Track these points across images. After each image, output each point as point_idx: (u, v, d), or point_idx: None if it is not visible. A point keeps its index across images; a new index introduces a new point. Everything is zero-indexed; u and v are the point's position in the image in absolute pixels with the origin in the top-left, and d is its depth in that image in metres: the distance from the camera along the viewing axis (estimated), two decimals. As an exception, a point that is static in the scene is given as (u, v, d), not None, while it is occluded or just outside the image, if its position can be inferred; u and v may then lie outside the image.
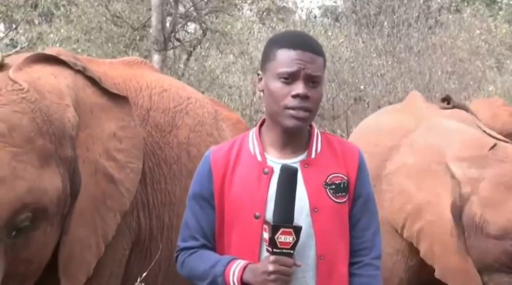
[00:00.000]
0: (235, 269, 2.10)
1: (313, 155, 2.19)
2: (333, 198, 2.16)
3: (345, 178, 2.18)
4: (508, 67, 12.07)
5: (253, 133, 2.25)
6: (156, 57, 8.58)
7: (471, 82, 10.84)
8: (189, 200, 2.27)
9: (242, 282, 2.08)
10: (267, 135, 2.22)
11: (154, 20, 8.64)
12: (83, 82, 2.56)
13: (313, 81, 2.13)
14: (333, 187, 2.16)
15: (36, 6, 10.44)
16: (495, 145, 3.46)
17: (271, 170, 2.16)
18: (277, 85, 2.13)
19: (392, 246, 3.59)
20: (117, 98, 2.64)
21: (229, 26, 10.54)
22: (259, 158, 2.19)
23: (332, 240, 2.15)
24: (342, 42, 10.73)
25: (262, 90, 2.20)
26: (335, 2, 17.50)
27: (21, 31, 10.24)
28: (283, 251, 2.01)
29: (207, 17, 10.07)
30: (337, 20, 14.33)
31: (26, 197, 2.17)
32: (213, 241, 2.22)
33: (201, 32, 10.27)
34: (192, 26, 11.17)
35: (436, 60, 10.46)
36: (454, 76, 10.63)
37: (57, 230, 2.34)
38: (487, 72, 11.48)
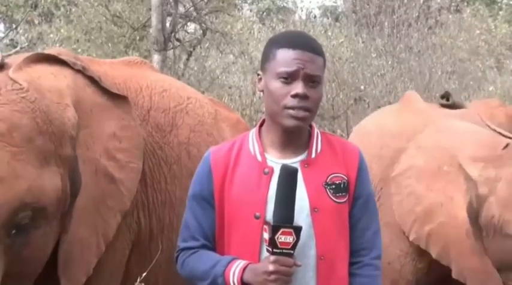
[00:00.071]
0: (235, 269, 2.10)
1: (313, 155, 2.20)
2: (333, 198, 2.16)
3: (345, 178, 2.18)
4: (508, 67, 12.05)
5: (253, 133, 2.25)
6: (156, 57, 8.58)
7: (471, 82, 10.83)
8: (189, 200, 2.27)
9: (242, 282, 2.08)
10: (267, 135, 2.22)
11: (154, 20, 8.63)
12: (83, 82, 2.56)
13: (312, 81, 2.13)
14: (333, 187, 2.17)
15: (36, 6, 10.45)
16: (507, 144, 3.44)
17: (272, 171, 2.16)
18: (276, 85, 2.13)
19: (401, 249, 3.58)
20: (117, 98, 2.64)
21: (229, 26, 10.54)
22: (259, 158, 2.19)
23: (332, 241, 2.15)
24: (341, 42, 10.71)
25: (262, 90, 2.21)
26: (335, 2, 17.51)
27: (21, 31, 10.24)
28: (284, 251, 2.02)
29: (207, 17, 10.06)
30: (337, 20, 14.33)
31: (26, 197, 2.17)
32: (213, 241, 2.22)
33: (201, 32, 10.26)
34: (192, 26, 11.16)
35: (436, 60, 10.45)
36: (454, 76, 10.62)
37: (56, 229, 2.34)
38: (487, 72, 11.46)
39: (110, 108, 2.60)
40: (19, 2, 10.37)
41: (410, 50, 10.60)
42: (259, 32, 11.87)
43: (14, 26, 10.16)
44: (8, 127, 2.19)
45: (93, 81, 2.59)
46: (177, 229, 2.42)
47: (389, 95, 9.39)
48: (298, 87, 2.10)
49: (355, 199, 2.21)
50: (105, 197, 2.52)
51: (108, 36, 9.66)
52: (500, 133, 3.62)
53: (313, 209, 2.13)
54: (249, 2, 16.82)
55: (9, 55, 2.73)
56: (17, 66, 2.43)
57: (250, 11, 16.48)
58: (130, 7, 9.88)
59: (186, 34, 10.87)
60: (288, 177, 2.05)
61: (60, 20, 10.35)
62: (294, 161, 2.17)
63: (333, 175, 2.18)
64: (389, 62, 10.28)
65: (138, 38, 9.83)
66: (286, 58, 2.13)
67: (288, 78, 2.12)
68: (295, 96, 2.10)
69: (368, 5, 11.92)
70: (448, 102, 4.19)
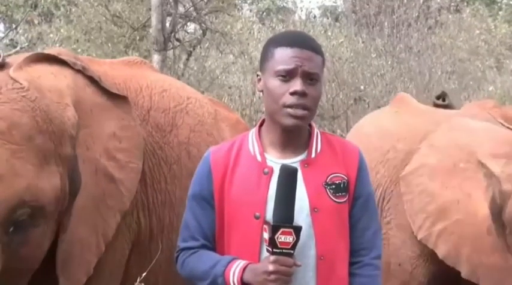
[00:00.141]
0: (235, 269, 2.10)
1: (313, 155, 2.20)
2: (333, 198, 2.16)
3: (345, 177, 2.18)
4: (507, 67, 12.04)
5: (252, 133, 2.26)
6: (156, 57, 8.58)
7: (471, 82, 10.83)
8: (189, 200, 2.27)
9: (242, 282, 2.08)
10: (267, 135, 2.22)
11: (154, 20, 8.63)
12: (83, 82, 2.57)
13: (311, 79, 2.13)
14: (333, 186, 2.17)
15: (36, 6, 10.44)
16: None
17: (271, 170, 2.16)
18: (275, 83, 2.13)
19: (413, 250, 3.55)
20: (117, 98, 2.65)
21: (229, 26, 10.54)
22: (259, 158, 2.19)
23: (332, 240, 2.15)
24: (341, 42, 10.71)
25: (262, 91, 2.21)
26: (335, 2, 17.51)
27: (21, 31, 10.24)
28: (283, 251, 2.02)
29: (206, 17, 10.06)
30: (336, 20, 14.33)
31: (24, 195, 2.17)
32: (213, 241, 2.22)
33: (201, 32, 10.26)
34: (191, 26, 11.16)
35: (436, 60, 10.45)
36: (453, 76, 10.62)
37: (54, 228, 2.34)
38: (486, 72, 11.46)
39: (110, 108, 2.61)
40: (19, 2, 10.37)
41: (410, 50, 10.61)
42: (259, 32, 11.87)
43: (13, 25, 10.16)
44: (8, 125, 2.19)
45: (93, 81, 2.60)
46: (177, 229, 2.42)
47: (389, 95, 9.38)
48: (297, 85, 2.11)
49: (355, 198, 2.21)
50: (105, 196, 2.52)
51: (108, 36, 9.66)
52: None
53: (313, 209, 2.13)
54: (248, 2, 16.83)
55: (10, 55, 2.73)
56: (17, 66, 2.43)
57: (250, 11, 16.48)
58: (130, 7, 9.88)
59: (186, 34, 10.87)
60: (288, 177, 2.05)
61: (60, 20, 10.35)
62: (294, 161, 2.17)
63: (332, 175, 2.18)
64: (389, 62, 10.28)
65: (138, 38, 9.83)
66: (284, 56, 2.13)
67: (287, 76, 2.12)
68: (293, 93, 2.11)
69: (368, 5, 11.92)
70: (444, 102, 4.18)
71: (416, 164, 3.58)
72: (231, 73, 10.80)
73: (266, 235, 2.06)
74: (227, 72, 10.76)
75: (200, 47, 10.46)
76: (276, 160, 2.17)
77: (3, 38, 9.61)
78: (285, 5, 17.36)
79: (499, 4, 15.92)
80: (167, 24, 9.09)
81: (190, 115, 3.02)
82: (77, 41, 9.58)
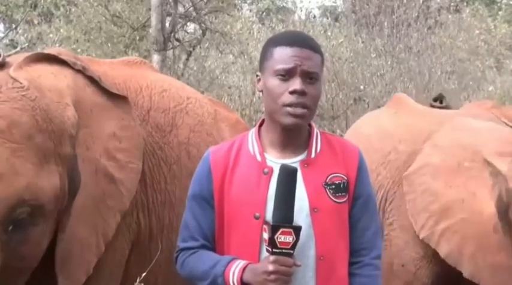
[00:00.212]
0: (235, 269, 2.10)
1: (312, 155, 2.20)
2: (333, 198, 2.16)
3: (345, 178, 2.18)
4: (507, 67, 12.04)
5: (252, 133, 2.26)
6: (155, 57, 8.58)
7: (471, 82, 10.83)
8: (189, 200, 2.27)
9: (242, 282, 2.08)
10: (267, 134, 2.22)
11: (153, 20, 8.63)
12: (83, 82, 2.57)
13: (310, 78, 2.13)
14: (333, 187, 2.17)
15: (35, 6, 10.44)
16: None
17: (271, 170, 2.16)
18: (274, 82, 2.13)
19: (416, 251, 3.54)
20: (117, 98, 2.65)
21: (228, 26, 10.54)
22: (258, 158, 2.19)
23: (332, 241, 2.15)
24: (341, 42, 10.71)
25: (262, 91, 2.21)
26: (334, 2, 17.51)
27: (20, 31, 10.24)
28: (283, 251, 2.02)
29: (206, 17, 10.05)
30: (336, 20, 14.32)
31: (24, 194, 2.17)
32: (212, 241, 2.22)
33: (201, 32, 10.26)
34: (191, 26, 11.16)
35: (436, 60, 10.45)
36: (453, 76, 10.62)
37: (53, 227, 2.34)
38: (486, 72, 11.46)
39: (110, 108, 2.61)
40: (19, 2, 10.37)
41: (410, 50, 10.60)
42: (259, 32, 11.87)
43: (13, 26, 10.16)
44: (8, 124, 2.19)
45: (93, 81, 2.60)
46: (176, 229, 2.42)
47: (389, 95, 9.36)
48: (296, 84, 2.11)
49: (355, 198, 2.21)
50: (104, 197, 2.52)
51: (107, 36, 9.66)
52: None
53: (313, 209, 2.13)
54: (248, 2, 16.82)
55: (10, 55, 2.73)
56: (17, 65, 2.43)
57: (250, 11, 16.48)
58: (130, 7, 9.88)
59: (186, 34, 10.87)
60: (288, 177, 2.05)
61: (59, 20, 10.35)
62: (294, 161, 2.17)
63: (332, 175, 2.18)
64: (389, 62, 10.28)
65: (137, 38, 9.83)
66: (283, 55, 2.13)
67: (286, 75, 2.12)
68: (293, 92, 2.11)
69: (367, 5, 11.92)
70: (442, 104, 4.17)
71: (420, 163, 3.57)
72: (231, 73, 10.80)
73: (266, 235, 2.06)
74: (227, 72, 10.76)
75: (200, 47, 10.46)
76: (275, 160, 2.17)
77: (3, 38, 9.61)
78: (284, 5, 17.36)
79: (498, 4, 15.92)
80: (167, 24, 9.09)
81: (190, 115, 3.02)
82: (77, 41, 9.58)
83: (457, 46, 11.15)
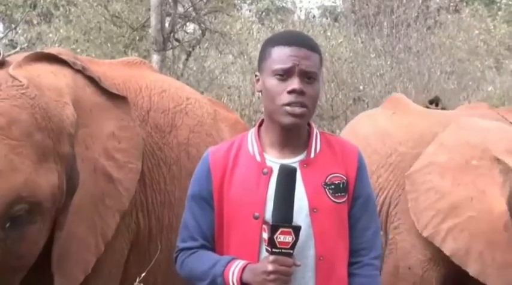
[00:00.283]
0: (234, 269, 2.10)
1: (312, 155, 2.20)
2: (332, 198, 2.16)
3: (344, 178, 2.18)
4: (507, 67, 12.05)
5: (252, 133, 2.26)
6: (155, 57, 8.58)
7: (470, 83, 10.84)
8: (188, 200, 2.27)
9: (241, 282, 2.08)
10: (266, 135, 2.22)
11: (153, 20, 8.63)
12: (83, 82, 2.57)
13: (308, 77, 2.13)
14: (332, 187, 2.17)
15: (35, 6, 10.44)
16: None
17: (270, 171, 2.16)
18: (273, 82, 2.13)
19: (424, 254, 3.54)
20: (117, 98, 2.65)
21: (228, 26, 10.54)
22: (258, 158, 2.19)
23: (331, 241, 2.15)
24: (341, 42, 10.72)
25: (261, 91, 2.21)
26: (334, 2, 17.53)
27: (20, 31, 10.23)
28: (283, 251, 2.02)
29: (206, 17, 10.06)
30: (336, 20, 14.34)
31: (22, 190, 2.17)
32: (212, 242, 2.22)
33: (200, 32, 10.26)
34: (191, 26, 11.16)
35: (435, 60, 10.46)
36: (453, 77, 10.62)
37: (50, 225, 2.34)
38: (486, 72, 11.47)
39: (109, 108, 2.61)
40: (18, 2, 10.37)
41: (409, 50, 10.61)
42: (258, 32, 11.87)
43: (13, 26, 10.16)
44: (7, 121, 2.20)
45: (93, 81, 2.60)
46: (176, 229, 2.42)
47: (389, 95, 9.38)
48: (294, 83, 2.11)
49: (354, 198, 2.21)
50: (103, 196, 2.52)
51: (107, 36, 9.66)
52: None
53: (312, 210, 2.13)
54: (248, 2, 16.84)
55: (9, 55, 2.74)
56: (16, 64, 2.43)
57: (250, 11, 16.50)
58: (130, 7, 9.88)
59: (185, 34, 10.87)
60: (287, 177, 2.05)
61: (59, 20, 10.36)
62: (293, 161, 2.17)
63: (332, 175, 2.18)
64: (388, 62, 10.28)
65: (137, 38, 9.84)
66: (281, 55, 2.13)
67: (284, 75, 2.12)
68: (291, 92, 2.11)
69: (367, 5, 11.92)
70: (438, 107, 4.17)
71: (423, 163, 3.57)
72: (230, 74, 10.81)
73: (265, 235, 2.06)
74: (226, 72, 10.76)
75: (199, 47, 10.46)
76: (275, 160, 2.17)
77: (2, 38, 9.60)
78: (284, 5, 17.38)
79: (498, 4, 15.92)
80: (166, 24, 9.09)
81: (189, 116, 3.02)
82: (76, 41, 9.58)
83: (456, 46, 11.16)
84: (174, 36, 9.38)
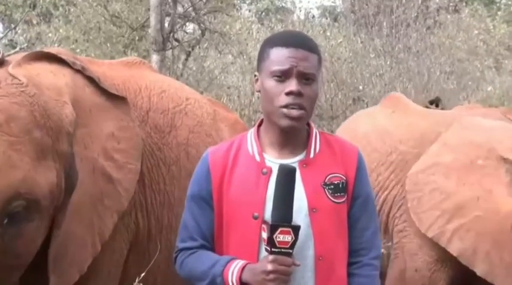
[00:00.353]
0: (234, 269, 2.10)
1: (311, 155, 2.20)
2: (332, 198, 2.16)
3: (344, 178, 2.18)
4: (506, 67, 12.06)
5: (251, 133, 2.26)
6: (154, 57, 8.57)
7: (470, 83, 10.84)
8: (188, 200, 2.27)
9: (241, 282, 2.08)
10: (265, 135, 2.22)
11: (153, 20, 8.63)
12: (82, 82, 2.57)
13: (306, 79, 2.12)
14: (332, 187, 2.17)
15: (34, 6, 10.43)
16: None
17: (270, 171, 2.16)
18: (271, 83, 2.13)
19: (431, 255, 3.53)
20: (116, 98, 2.65)
21: (227, 26, 10.53)
22: (257, 158, 2.19)
23: (331, 241, 2.15)
24: (340, 42, 10.71)
25: (259, 91, 2.21)
26: (333, 2, 17.52)
27: (19, 31, 10.23)
28: (282, 250, 2.02)
29: (205, 17, 10.05)
30: (335, 20, 14.33)
31: (20, 187, 2.17)
32: (211, 242, 2.22)
33: (200, 32, 10.25)
34: (190, 26, 11.16)
35: (435, 60, 10.46)
36: (452, 77, 10.62)
37: (48, 223, 2.34)
38: (485, 72, 11.48)
39: (109, 108, 2.61)
40: (18, 2, 10.37)
41: (409, 50, 10.61)
42: (258, 32, 11.87)
43: (12, 26, 10.15)
44: (6, 117, 2.20)
45: (92, 81, 2.60)
46: (175, 229, 2.42)
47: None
48: (292, 85, 2.10)
49: (353, 198, 2.21)
50: (102, 196, 2.52)
51: (106, 36, 9.66)
52: None
53: (312, 210, 2.13)
54: (247, 2, 16.83)
55: (9, 55, 2.74)
56: (16, 63, 2.44)
57: (249, 11, 16.49)
58: (129, 7, 9.88)
59: (185, 34, 10.86)
60: (286, 176, 2.05)
61: (58, 20, 10.36)
62: (293, 161, 2.17)
63: (331, 175, 2.18)
64: (388, 62, 10.28)
65: (136, 38, 9.83)
66: (279, 56, 2.13)
67: (282, 76, 2.12)
68: (289, 93, 2.10)
69: (367, 5, 11.92)
70: (438, 107, 4.17)
71: (427, 163, 3.55)
72: (230, 74, 10.80)
73: (265, 235, 2.06)
74: (226, 72, 10.76)
75: (199, 47, 10.46)
76: (274, 160, 2.17)
77: (2, 38, 9.60)
78: (283, 5, 17.37)
79: (497, 4, 15.92)
80: (166, 24, 9.09)
81: (189, 116, 3.02)
82: (76, 41, 9.58)
83: (456, 46, 11.16)
84: (173, 36, 9.37)
